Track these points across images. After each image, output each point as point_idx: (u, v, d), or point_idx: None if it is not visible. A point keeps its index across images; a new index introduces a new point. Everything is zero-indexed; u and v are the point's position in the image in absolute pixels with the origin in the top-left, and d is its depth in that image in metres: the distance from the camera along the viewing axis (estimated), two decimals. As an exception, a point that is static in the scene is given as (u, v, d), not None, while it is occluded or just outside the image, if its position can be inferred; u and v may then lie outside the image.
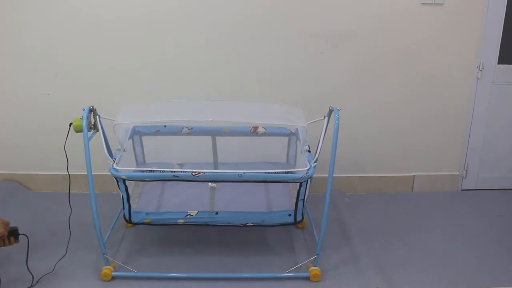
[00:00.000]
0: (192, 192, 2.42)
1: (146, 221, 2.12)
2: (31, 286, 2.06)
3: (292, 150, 2.54)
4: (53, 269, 2.16)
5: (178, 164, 2.55)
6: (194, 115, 2.27)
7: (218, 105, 2.32)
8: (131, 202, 2.11)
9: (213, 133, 2.49)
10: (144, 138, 2.54)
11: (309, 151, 2.18)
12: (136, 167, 2.47)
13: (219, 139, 2.50)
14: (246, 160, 2.57)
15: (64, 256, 2.23)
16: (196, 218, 2.11)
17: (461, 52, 2.85)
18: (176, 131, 2.49)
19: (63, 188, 2.97)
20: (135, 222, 2.14)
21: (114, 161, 2.05)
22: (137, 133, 2.50)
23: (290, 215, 2.12)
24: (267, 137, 2.51)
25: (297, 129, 2.44)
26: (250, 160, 2.58)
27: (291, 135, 2.52)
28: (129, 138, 2.39)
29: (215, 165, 2.55)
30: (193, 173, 1.95)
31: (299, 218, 2.13)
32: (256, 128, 2.47)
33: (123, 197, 2.07)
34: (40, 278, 2.10)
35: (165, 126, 2.49)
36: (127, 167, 2.14)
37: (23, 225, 2.57)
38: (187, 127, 2.47)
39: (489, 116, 3.01)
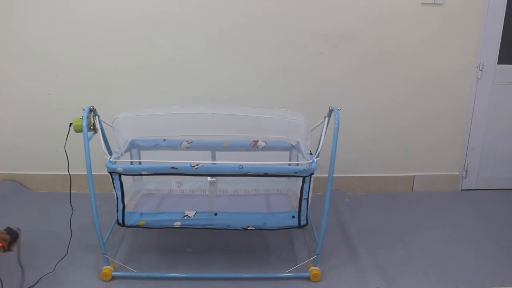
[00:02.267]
0: (190, 197, 2.41)
1: (141, 223, 2.07)
2: (32, 286, 2.06)
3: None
4: (54, 269, 2.16)
5: (176, 182, 2.49)
6: (194, 125, 2.22)
7: (218, 110, 2.31)
8: (126, 205, 2.08)
9: (213, 147, 2.44)
10: (142, 153, 2.48)
11: (311, 154, 2.17)
12: (133, 182, 2.45)
13: (218, 154, 2.45)
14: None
15: (65, 256, 2.23)
16: (194, 220, 2.06)
17: (461, 52, 2.85)
18: (175, 145, 2.44)
19: (63, 188, 2.98)
20: (129, 224, 2.08)
21: (111, 157, 2.04)
22: (135, 147, 2.44)
23: (293, 217, 2.08)
24: (268, 151, 2.45)
25: (298, 142, 2.39)
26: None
27: (292, 148, 2.46)
28: (127, 151, 2.33)
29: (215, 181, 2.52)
30: (192, 165, 1.93)
31: (303, 221, 2.08)
32: (256, 142, 2.42)
33: (118, 196, 2.04)
34: (40, 278, 2.10)
35: (164, 140, 2.44)
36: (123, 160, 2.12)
37: (23, 225, 2.58)
38: (186, 141, 2.42)
39: (489, 116, 3.01)
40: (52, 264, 2.19)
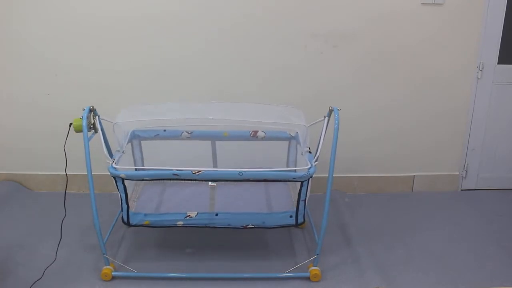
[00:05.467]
0: (191, 194, 2.41)
1: (145, 223, 2.11)
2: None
3: (292, 155, 2.52)
4: (42, 276, 2.12)
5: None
6: (194, 116, 2.26)
7: (218, 106, 2.32)
8: (129, 203, 2.11)
9: (213, 137, 2.47)
10: (143, 144, 2.51)
11: (310, 152, 2.18)
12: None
13: (218, 143, 2.48)
14: (245, 165, 2.54)
15: (53, 262, 2.20)
16: (196, 220, 2.09)
17: (461, 52, 2.85)
18: (175, 136, 2.46)
19: (63, 188, 2.97)
20: (134, 224, 2.11)
21: (113, 161, 2.05)
22: (136, 137, 2.47)
23: (291, 216, 2.10)
24: (267, 141, 2.48)
25: (297, 133, 2.42)
26: (249, 165, 2.55)
27: (291, 139, 2.49)
28: (128, 143, 2.36)
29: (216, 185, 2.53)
30: (193, 172, 1.95)
31: (300, 220, 2.11)
32: (256, 132, 2.45)
33: (122, 198, 2.07)
34: (31, 285, 2.06)
35: (164, 130, 2.46)
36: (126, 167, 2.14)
37: (22, 225, 2.58)
38: (186, 131, 2.45)
39: (489, 116, 3.01)
40: (52, 265, 2.19)
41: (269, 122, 2.27)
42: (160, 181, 2.52)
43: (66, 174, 2.22)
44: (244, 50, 2.77)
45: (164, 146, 2.52)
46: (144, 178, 2.03)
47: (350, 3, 2.71)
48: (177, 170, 1.96)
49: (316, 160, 2.05)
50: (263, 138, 2.47)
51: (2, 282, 2.06)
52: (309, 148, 2.21)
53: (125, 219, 2.12)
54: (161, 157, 2.49)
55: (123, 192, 2.05)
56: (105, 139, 2.14)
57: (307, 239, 2.49)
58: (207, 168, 1.98)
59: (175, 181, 2.53)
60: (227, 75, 2.81)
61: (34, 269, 2.16)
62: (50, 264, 2.19)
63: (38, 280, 2.10)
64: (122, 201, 2.08)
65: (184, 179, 1.99)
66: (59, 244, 2.27)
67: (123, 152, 2.23)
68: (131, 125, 2.43)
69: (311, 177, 2.01)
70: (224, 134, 2.46)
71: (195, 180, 1.99)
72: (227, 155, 2.53)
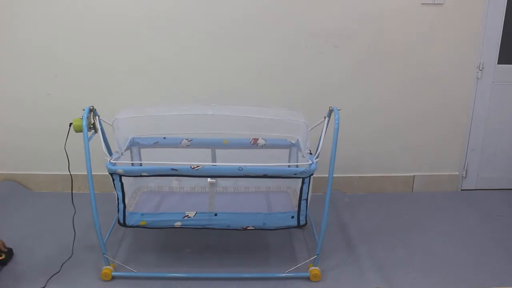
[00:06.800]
0: (191, 197, 2.41)
1: (141, 223, 2.08)
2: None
3: (293, 162, 2.49)
4: (60, 270, 2.15)
5: (176, 180, 2.51)
6: (194, 123, 2.23)
7: (218, 109, 2.31)
8: (126, 204, 2.09)
9: (213, 145, 2.45)
10: (143, 151, 2.49)
11: (311, 154, 2.17)
12: (133, 180, 2.45)
13: (218, 151, 2.46)
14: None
15: (70, 257, 2.23)
16: (194, 220, 2.07)
17: (461, 52, 2.85)
18: (175, 143, 2.45)
19: (63, 188, 2.98)
20: (130, 224, 2.09)
21: (111, 158, 2.04)
22: (135, 145, 2.45)
23: (293, 217, 2.09)
24: (268, 149, 2.46)
25: (297, 140, 2.39)
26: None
27: (292, 146, 2.47)
28: (127, 149, 2.34)
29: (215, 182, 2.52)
30: (192, 167, 1.94)
31: (302, 221, 2.10)
32: (256, 140, 2.43)
33: (118, 197, 2.05)
34: (49, 279, 2.09)
35: (164, 138, 2.45)
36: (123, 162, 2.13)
37: (23, 225, 2.58)
38: (186, 139, 2.43)
39: (489, 116, 3.01)
40: (54, 264, 2.19)
41: (270, 118, 2.24)
42: (159, 189, 2.52)
43: (70, 173, 2.22)
44: (243, 50, 2.77)
45: (163, 154, 2.48)
46: (142, 174, 2.01)
47: (350, 3, 2.71)
48: (175, 165, 1.94)
49: (317, 157, 2.05)
50: (263, 146, 2.44)
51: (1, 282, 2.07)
52: (310, 151, 2.20)
53: (121, 220, 2.09)
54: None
55: (120, 190, 2.04)
56: (105, 139, 2.14)
57: (307, 239, 2.49)
58: (205, 163, 1.96)
59: (173, 190, 2.53)
60: (227, 75, 2.82)
61: (35, 269, 2.16)
62: (67, 259, 2.21)
63: (56, 273, 2.12)
64: (119, 200, 2.06)
65: (183, 175, 1.97)
66: (74, 239, 2.28)
67: (121, 154, 2.22)
68: (131, 132, 2.41)
69: (312, 174, 2.00)
70: (224, 142, 2.44)
71: (194, 176, 1.97)
72: (227, 163, 2.50)
